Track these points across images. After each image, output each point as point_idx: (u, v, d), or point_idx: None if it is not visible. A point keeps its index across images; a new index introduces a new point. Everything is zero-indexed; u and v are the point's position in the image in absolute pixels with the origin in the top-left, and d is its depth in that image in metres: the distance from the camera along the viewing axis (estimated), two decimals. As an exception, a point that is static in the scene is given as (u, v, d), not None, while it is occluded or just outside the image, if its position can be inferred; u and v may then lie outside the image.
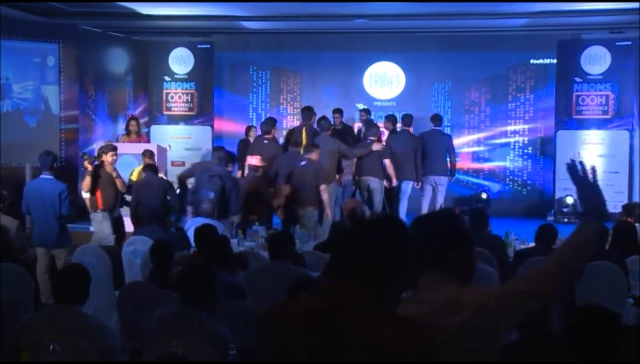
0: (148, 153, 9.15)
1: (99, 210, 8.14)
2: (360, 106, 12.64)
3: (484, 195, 11.79)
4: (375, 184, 9.55)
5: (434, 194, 10.23)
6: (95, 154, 8.64)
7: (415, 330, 1.77)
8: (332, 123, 10.68)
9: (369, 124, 10.43)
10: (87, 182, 8.09)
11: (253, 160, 9.00)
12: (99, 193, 8.16)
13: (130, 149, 9.96)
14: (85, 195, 8.35)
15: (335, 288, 1.81)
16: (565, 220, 11.05)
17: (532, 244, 6.62)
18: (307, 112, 10.05)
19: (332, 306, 1.77)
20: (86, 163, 8.13)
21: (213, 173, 8.11)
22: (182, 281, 4.00)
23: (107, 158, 8.22)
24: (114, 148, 8.42)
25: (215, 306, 4.04)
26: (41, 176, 7.41)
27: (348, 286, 1.79)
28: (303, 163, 8.75)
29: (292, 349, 1.78)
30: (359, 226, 1.89)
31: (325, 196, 8.70)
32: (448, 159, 10.41)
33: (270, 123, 9.74)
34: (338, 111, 10.90)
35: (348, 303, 1.77)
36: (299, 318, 1.80)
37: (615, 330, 2.93)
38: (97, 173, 8.12)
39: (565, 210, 11.26)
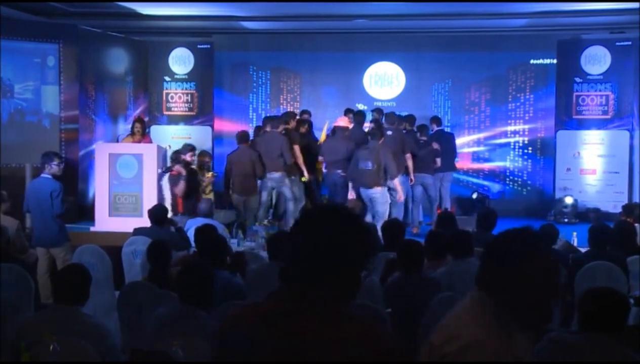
0: (206, 153, 9.53)
1: (179, 214, 8.16)
2: (361, 106, 12.64)
3: (474, 195, 11.81)
4: (429, 180, 10.33)
5: (442, 190, 10.73)
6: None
7: (377, 331, 1.76)
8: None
9: (422, 126, 10.82)
10: (181, 186, 8.10)
11: (341, 122, 9.88)
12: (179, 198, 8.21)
13: (131, 149, 9.93)
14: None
15: (294, 290, 1.79)
16: (565, 220, 11.05)
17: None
18: (359, 116, 10.66)
19: (292, 309, 1.76)
20: (179, 167, 8.10)
21: (368, 147, 9.11)
22: (181, 281, 4.01)
23: (187, 159, 8.21)
24: (193, 148, 8.45)
25: (214, 305, 4.04)
26: (41, 175, 7.44)
27: (306, 288, 1.77)
28: (389, 132, 9.61)
29: (253, 353, 1.76)
30: (307, 226, 1.82)
31: (410, 163, 9.74)
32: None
33: (290, 115, 10.29)
34: (350, 111, 11.05)
35: (307, 305, 1.75)
36: (259, 321, 1.79)
37: (623, 305, 3.22)
38: (192, 177, 8.14)
39: (565, 210, 11.26)
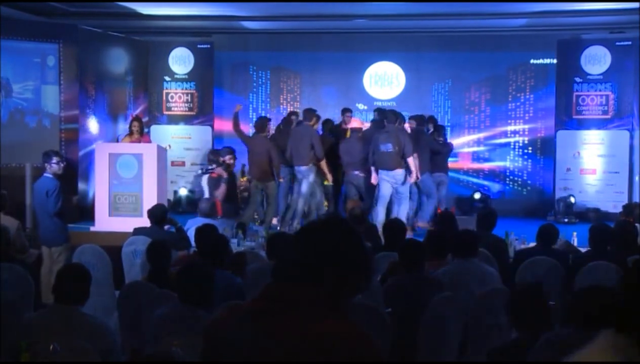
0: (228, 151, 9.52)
1: (218, 217, 8.16)
2: (361, 106, 12.64)
3: (476, 195, 11.87)
4: (444, 178, 10.53)
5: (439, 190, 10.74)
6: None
7: (360, 331, 1.77)
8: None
9: (440, 126, 10.97)
10: (222, 189, 8.10)
11: (355, 123, 10.01)
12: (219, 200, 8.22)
13: (131, 149, 9.92)
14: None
15: (282, 289, 1.81)
16: (565, 220, 11.05)
17: (532, 244, 6.63)
18: (381, 114, 10.42)
19: (278, 307, 1.78)
20: (221, 170, 8.10)
21: (387, 130, 9.27)
22: (181, 280, 4.00)
23: (227, 161, 8.24)
24: (232, 151, 8.47)
25: (214, 305, 4.03)
26: (43, 174, 7.47)
27: (294, 287, 1.79)
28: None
29: (236, 350, 1.79)
30: (306, 229, 1.92)
31: (417, 162, 9.68)
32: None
33: (311, 113, 10.05)
34: (347, 111, 11.01)
35: (293, 304, 1.77)
36: (242, 319, 1.82)
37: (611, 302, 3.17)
38: (232, 180, 8.14)
39: (565, 210, 11.25)
